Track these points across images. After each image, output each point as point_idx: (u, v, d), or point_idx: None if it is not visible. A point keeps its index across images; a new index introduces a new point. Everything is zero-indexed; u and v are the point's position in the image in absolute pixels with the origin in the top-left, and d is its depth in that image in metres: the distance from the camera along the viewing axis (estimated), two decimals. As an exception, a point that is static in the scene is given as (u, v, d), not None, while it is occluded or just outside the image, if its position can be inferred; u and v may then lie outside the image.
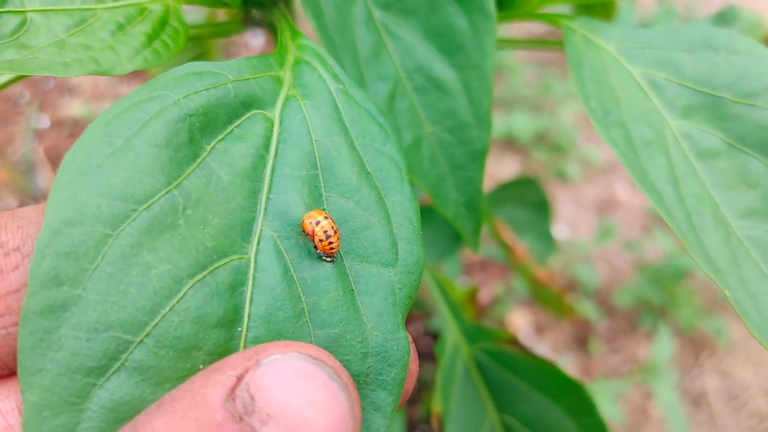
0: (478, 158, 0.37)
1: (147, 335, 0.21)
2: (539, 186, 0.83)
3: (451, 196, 0.38)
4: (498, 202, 0.83)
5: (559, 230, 1.30)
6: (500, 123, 1.43)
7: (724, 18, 0.53)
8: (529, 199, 0.85)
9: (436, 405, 0.43)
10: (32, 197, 1.15)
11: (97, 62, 0.27)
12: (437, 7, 0.37)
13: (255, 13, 0.37)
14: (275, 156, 0.26)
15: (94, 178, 0.22)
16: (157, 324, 0.21)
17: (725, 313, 1.16)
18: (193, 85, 0.25)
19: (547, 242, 0.88)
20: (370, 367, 0.23)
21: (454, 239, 0.85)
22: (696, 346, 1.11)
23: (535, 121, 1.45)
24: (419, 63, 0.37)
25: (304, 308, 0.23)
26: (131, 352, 0.21)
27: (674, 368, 1.08)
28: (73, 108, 1.34)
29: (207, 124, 0.25)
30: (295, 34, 0.31)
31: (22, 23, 0.28)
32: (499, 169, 1.37)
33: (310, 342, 0.22)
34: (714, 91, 0.34)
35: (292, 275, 0.23)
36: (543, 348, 1.08)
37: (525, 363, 0.45)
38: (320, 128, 0.27)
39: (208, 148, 0.24)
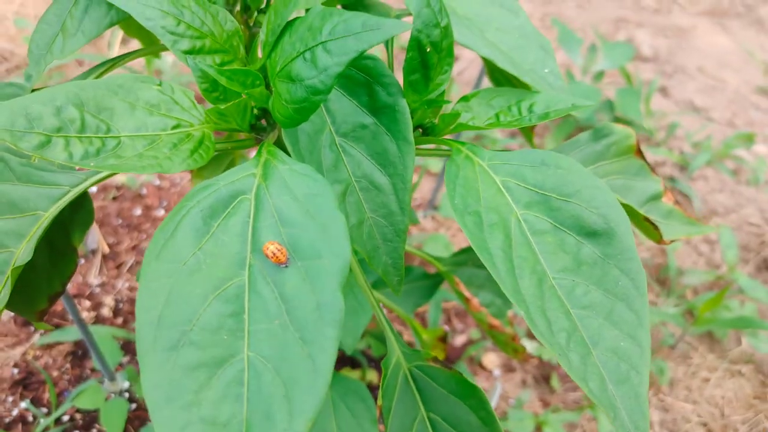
0: (401, 234, 0.53)
1: (194, 326, 0.40)
2: None
3: (382, 259, 0.53)
4: (458, 264, 0.98)
5: None
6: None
7: (602, 132, 0.71)
8: None
9: (379, 400, 0.60)
10: (84, 256, 1.34)
11: (161, 166, 0.46)
12: (377, 136, 0.54)
13: (261, 134, 0.56)
14: (253, 219, 0.42)
15: (160, 254, 0.41)
16: (198, 319, 0.40)
17: (667, 356, 1.30)
18: (202, 195, 0.43)
19: (505, 299, 1.04)
20: (319, 315, 0.38)
21: (427, 292, 1.03)
22: None
23: None
24: (365, 172, 0.54)
25: (276, 296, 0.39)
26: (188, 336, 0.40)
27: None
28: (116, 175, 1.51)
29: (212, 213, 0.42)
30: (268, 145, 0.50)
31: (118, 143, 0.46)
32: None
33: (283, 311, 0.39)
34: (545, 192, 0.51)
35: (267, 281, 0.40)
36: (512, 383, 1.24)
37: (444, 375, 0.62)
38: (275, 195, 0.43)
39: (215, 225, 0.42)
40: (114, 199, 1.45)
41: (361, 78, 0.56)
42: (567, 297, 0.49)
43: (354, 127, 0.56)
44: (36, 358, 1.17)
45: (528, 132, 0.85)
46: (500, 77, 0.80)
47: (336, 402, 0.84)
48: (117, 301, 1.27)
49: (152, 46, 0.75)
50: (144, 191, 1.49)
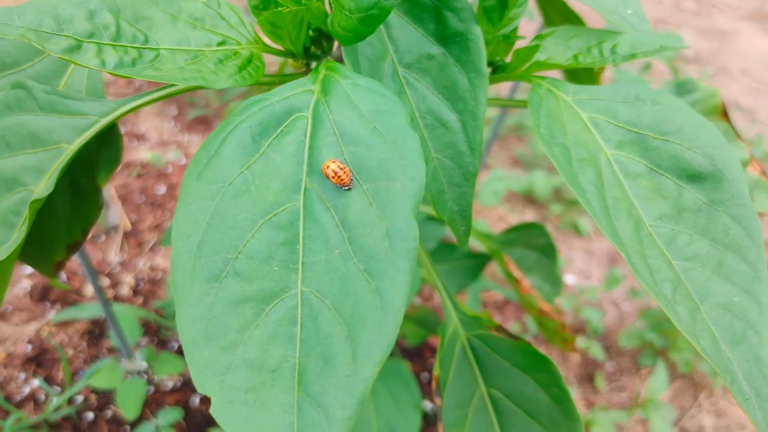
0: (470, 178, 0.48)
1: (239, 253, 0.34)
2: (546, 232, 0.92)
3: (448, 205, 0.48)
4: (508, 243, 0.92)
5: (572, 277, 1.39)
6: (523, 180, 1.53)
7: (684, 88, 0.64)
8: (536, 243, 0.94)
9: (436, 370, 0.53)
10: (105, 231, 1.29)
11: (205, 80, 0.40)
12: (445, 68, 0.49)
13: (313, 64, 0.50)
14: (310, 138, 0.37)
15: (202, 174, 0.35)
16: (245, 246, 0.34)
17: None
18: (251, 110, 0.38)
19: (555, 284, 0.97)
20: (390, 244, 0.33)
21: (472, 273, 0.96)
22: (696, 387, 1.17)
23: (553, 179, 1.55)
24: (430, 107, 0.49)
25: (337, 223, 0.34)
26: (233, 265, 0.33)
27: (675, 406, 1.15)
28: (141, 152, 1.49)
29: (263, 131, 0.37)
30: (328, 61, 0.44)
31: (157, 56, 0.41)
32: (522, 220, 1.48)
33: (345, 239, 0.34)
34: (640, 130, 0.45)
35: (327, 206, 0.34)
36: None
37: (508, 345, 0.55)
38: (337, 111, 0.38)
39: (266, 144, 0.37)
40: (138, 176, 1.41)
41: (427, 2, 0.50)
42: (667, 247, 0.42)
43: (419, 57, 0.50)
44: (51, 335, 1.11)
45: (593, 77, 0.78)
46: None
47: (375, 384, 0.77)
48: (137, 280, 1.21)
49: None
50: (169, 169, 1.45)
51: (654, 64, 1.96)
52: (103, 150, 0.56)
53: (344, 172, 0.35)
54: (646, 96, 0.47)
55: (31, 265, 0.59)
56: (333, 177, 0.35)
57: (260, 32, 0.47)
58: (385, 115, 0.38)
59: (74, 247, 0.59)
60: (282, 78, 0.53)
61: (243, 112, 0.39)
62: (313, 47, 0.48)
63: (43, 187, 0.51)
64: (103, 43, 0.41)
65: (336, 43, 0.49)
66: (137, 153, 1.47)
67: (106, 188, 1.34)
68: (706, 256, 0.42)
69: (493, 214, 1.46)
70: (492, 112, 1.62)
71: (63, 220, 0.58)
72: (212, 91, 1.66)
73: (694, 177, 0.44)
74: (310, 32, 0.47)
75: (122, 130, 1.51)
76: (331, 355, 0.32)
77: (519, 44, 0.54)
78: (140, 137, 1.52)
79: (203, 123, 1.56)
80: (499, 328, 0.56)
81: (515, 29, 0.53)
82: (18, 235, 0.48)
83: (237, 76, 0.43)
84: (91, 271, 0.83)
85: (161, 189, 1.39)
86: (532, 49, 0.52)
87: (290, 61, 0.50)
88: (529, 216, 1.49)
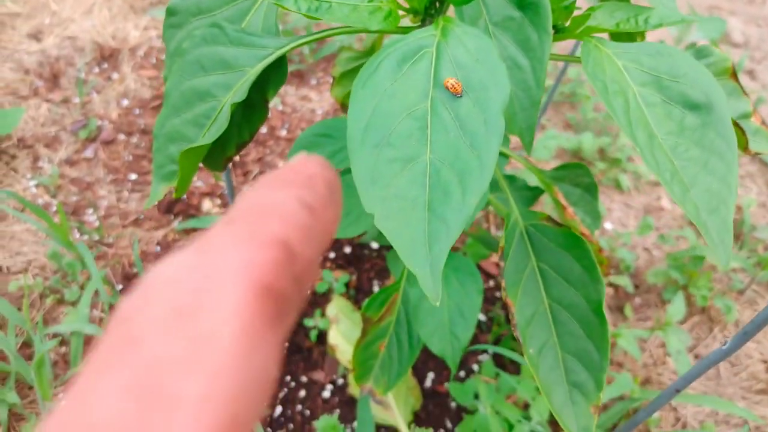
0: (535, 105, 0.67)
1: (391, 133, 0.54)
2: (590, 172, 1.10)
3: (518, 123, 0.70)
4: (557, 178, 1.11)
5: (610, 224, 1.55)
6: (573, 140, 1.69)
7: (702, 53, 0.83)
8: (582, 181, 1.12)
9: (501, 242, 0.74)
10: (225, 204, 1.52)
11: (363, 23, 0.58)
12: (522, 27, 0.69)
13: (428, 20, 0.71)
14: (434, 65, 0.51)
15: (366, 84, 0.56)
16: (395, 128, 0.54)
17: (736, 299, 1.40)
18: (395, 46, 0.56)
19: (595, 217, 1.15)
20: (486, 129, 0.47)
21: (528, 202, 1.16)
22: (712, 321, 1.33)
23: (599, 140, 1.70)
24: (510, 54, 0.69)
25: (452, 117, 0.52)
26: (388, 139, 0.55)
27: (692, 337, 1.33)
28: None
29: (403, 59, 0.56)
30: (444, 16, 0.64)
31: (330, 6, 0.62)
32: (569, 176, 1.66)
33: (457, 126, 0.54)
34: (658, 74, 0.65)
35: (445, 107, 0.48)
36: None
37: (554, 231, 0.75)
38: (453, 47, 0.51)
39: (406, 67, 0.57)
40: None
41: (511, -21, 0.69)
42: (671, 152, 0.61)
43: (503, 18, 0.69)
44: (174, 241, 1.35)
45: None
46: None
47: (447, 275, 0.98)
48: (243, 203, 1.44)
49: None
50: (269, 114, 1.66)
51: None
52: (273, 73, 0.77)
53: (458, 85, 0.56)
54: (664, 51, 0.66)
55: (206, 162, 0.81)
56: (450, 88, 0.54)
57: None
58: (483, 51, 0.58)
59: (242, 145, 0.80)
60: (403, 29, 0.74)
61: (390, 46, 0.59)
62: (433, 6, 0.69)
63: (235, 95, 0.72)
64: (298, -5, 0.62)
65: (445, 7, 0.69)
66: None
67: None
68: (697, 159, 0.61)
69: (546, 167, 1.65)
70: (548, 81, 1.80)
71: (236, 125, 0.79)
72: (308, 49, 1.87)
73: (694, 106, 0.63)
74: (431, -5, 0.68)
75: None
76: (449, 192, 0.52)
77: (576, 13, 0.74)
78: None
79: (298, 76, 1.77)
80: (549, 218, 0.76)
81: (574, 2, 0.73)
82: (221, 125, 0.69)
83: (384, 23, 0.63)
84: (230, 188, 1.06)
85: (263, 129, 1.61)
86: (585, 17, 0.71)
87: (410, 16, 0.71)
88: (576, 171, 1.67)
